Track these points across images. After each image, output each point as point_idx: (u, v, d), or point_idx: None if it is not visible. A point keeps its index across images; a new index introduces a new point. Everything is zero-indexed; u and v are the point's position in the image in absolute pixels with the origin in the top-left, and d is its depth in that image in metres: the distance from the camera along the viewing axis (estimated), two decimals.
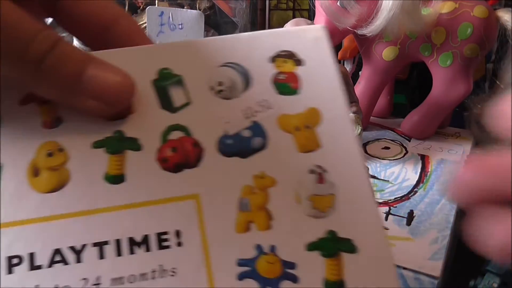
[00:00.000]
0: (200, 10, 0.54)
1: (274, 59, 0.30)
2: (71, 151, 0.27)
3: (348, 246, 0.27)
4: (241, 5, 0.58)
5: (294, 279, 0.26)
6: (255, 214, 0.27)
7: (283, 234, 0.27)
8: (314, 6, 0.62)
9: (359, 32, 0.60)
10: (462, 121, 0.66)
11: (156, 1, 0.54)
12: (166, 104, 0.29)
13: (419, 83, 0.69)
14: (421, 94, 0.66)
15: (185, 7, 0.54)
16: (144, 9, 0.54)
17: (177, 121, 0.28)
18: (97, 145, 0.28)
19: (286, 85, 0.29)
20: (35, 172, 0.27)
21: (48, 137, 0.28)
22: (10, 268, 0.25)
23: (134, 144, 0.28)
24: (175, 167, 0.27)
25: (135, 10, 0.56)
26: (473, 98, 0.61)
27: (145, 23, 0.53)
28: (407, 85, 0.74)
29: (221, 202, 0.27)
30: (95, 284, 0.25)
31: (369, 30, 0.56)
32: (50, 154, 0.27)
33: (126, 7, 0.55)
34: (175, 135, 0.28)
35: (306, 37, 0.31)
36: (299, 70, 0.30)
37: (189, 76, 0.29)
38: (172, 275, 0.26)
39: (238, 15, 0.57)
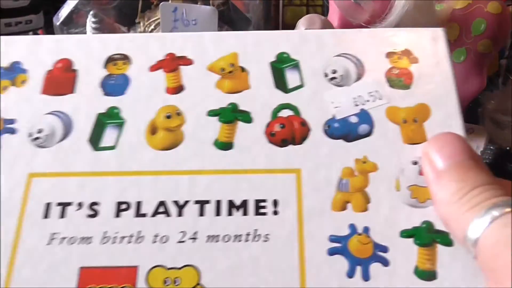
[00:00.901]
0: (213, 6, 0.55)
1: (390, 55, 0.33)
2: (188, 116, 0.32)
3: (445, 239, 0.28)
4: (254, 1, 0.59)
5: (385, 262, 0.28)
6: (353, 195, 0.29)
7: (378, 218, 0.29)
8: (328, 2, 0.63)
9: (373, 28, 0.60)
10: (476, 117, 0.64)
11: None
12: (280, 84, 0.32)
13: None
14: None
15: (199, 3, 0.55)
16: (157, 5, 0.56)
17: (289, 100, 0.32)
18: (212, 113, 0.32)
19: (399, 80, 0.32)
20: (153, 130, 0.31)
21: (169, 101, 0.32)
22: (118, 212, 0.29)
23: (246, 117, 0.31)
24: (281, 142, 0.31)
25: (148, 6, 0.58)
26: (486, 94, 0.60)
27: (158, 19, 0.55)
28: None
29: (321, 179, 0.30)
30: (191, 238, 0.29)
31: (383, 26, 0.57)
32: (168, 116, 0.32)
33: (140, 3, 0.57)
34: (285, 113, 0.32)
35: (424, 37, 0.33)
36: (413, 67, 0.33)
37: (306, 62, 0.33)
38: (265, 241, 0.28)
39: (252, 10, 0.59)
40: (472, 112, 0.65)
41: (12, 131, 0.31)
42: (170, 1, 0.54)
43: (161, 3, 0.53)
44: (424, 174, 0.29)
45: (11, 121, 0.32)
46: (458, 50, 0.58)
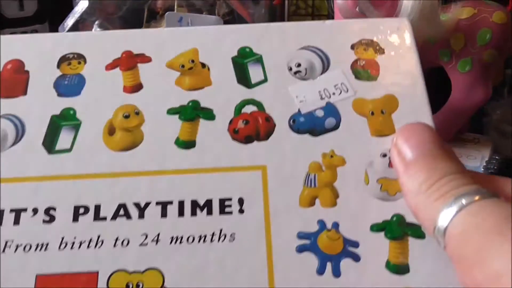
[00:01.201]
0: (219, 15, 0.56)
1: (356, 46, 0.33)
2: (147, 115, 0.31)
3: (416, 232, 0.28)
4: (259, 11, 0.60)
5: (356, 257, 0.28)
6: (321, 190, 0.29)
7: (347, 213, 0.29)
8: (333, 12, 0.64)
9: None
10: (481, 127, 0.66)
11: (175, 7, 0.57)
12: (243, 79, 0.32)
13: (437, 88, 0.70)
14: (438, 101, 0.67)
15: (204, 13, 0.56)
16: (163, 14, 0.57)
17: (252, 96, 0.32)
18: (172, 111, 0.31)
19: (365, 71, 0.32)
20: (110, 131, 0.31)
21: (127, 100, 0.32)
22: (76, 216, 0.29)
23: (208, 114, 0.31)
24: (245, 138, 0.30)
25: (154, 16, 0.59)
26: (492, 104, 0.61)
27: None
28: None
29: (287, 175, 0.29)
30: (154, 240, 0.28)
31: None
32: (126, 116, 0.31)
33: (146, 13, 0.58)
34: (249, 109, 0.31)
35: (390, 28, 0.34)
36: (379, 58, 0.33)
37: (269, 56, 0.33)
38: (231, 240, 0.28)
39: (257, 21, 0.60)
40: (477, 122, 0.66)
41: None
42: (175, 11, 0.55)
43: (166, 13, 0.54)
44: (393, 166, 0.29)
45: None
46: (464, 60, 0.59)
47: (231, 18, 0.56)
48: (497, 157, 0.58)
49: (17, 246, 0.28)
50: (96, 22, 0.57)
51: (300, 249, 0.28)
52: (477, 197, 0.25)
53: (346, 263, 0.27)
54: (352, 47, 0.33)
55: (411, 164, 0.27)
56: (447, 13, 0.58)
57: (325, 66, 0.32)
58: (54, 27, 0.65)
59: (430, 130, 0.28)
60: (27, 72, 0.33)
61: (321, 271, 0.27)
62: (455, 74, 0.60)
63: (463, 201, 0.25)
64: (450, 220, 0.25)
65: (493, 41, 0.57)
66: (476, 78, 0.59)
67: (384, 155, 0.30)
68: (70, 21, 0.57)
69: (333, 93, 0.31)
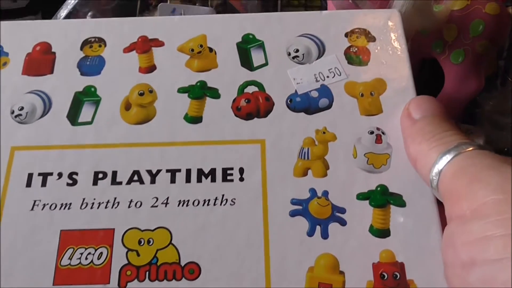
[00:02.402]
0: (212, 7, 0.56)
1: (349, 34, 0.36)
2: (159, 93, 0.35)
3: (398, 201, 0.31)
4: (252, 1, 0.60)
5: (342, 222, 0.31)
6: (313, 162, 0.32)
7: (336, 182, 0.32)
8: (326, 3, 0.64)
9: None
10: (473, 118, 0.65)
11: None
12: (246, 63, 0.35)
13: (429, 80, 0.70)
14: (431, 92, 0.66)
15: (197, 4, 0.56)
16: (156, 6, 0.57)
17: (254, 78, 0.35)
18: (181, 90, 0.35)
19: (357, 57, 0.35)
20: (127, 106, 0.34)
21: (142, 80, 0.35)
22: (95, 181, 0.32)
23: (214, 93, 0.34)
24: (246, 115, 0.34)
25: (147, 7, 0.59)
26: (484, 95, 0.61)
27: None
28: (417, 82, 0.74)
29: (283, 149, 0.33)
30: (163, 203, 0.31)
31: None
32: (141, 94, 0.34)
33: (138, 4, 0.58)
34: (251, 89, 0.35)
35: (381, 18, 0.37)
36: (370, 46, 0.36)
37: (270, 42, 0.36)
38: (232, 204, 0.31)
39: (250, 11, 0.60)
40: (470, 113, 0.67)
41: None
42: (168, 2, 0.55)
43: (159, 4, 0.54)
44: (401, 124, 0.33)
45: None
46: (457, 51, 0.58)
47: (223, 8, 0.57)
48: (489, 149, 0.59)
49: (44, 205, 0.31)
50: (89, 14, 0.57)
51: (293, 214, 0.31)
52: (475, 147, 0.28)
53: (334, 227, 0.31)
54: (346, 35, 0.36)
55: (418, 121, 0.31)
56: (440, 4, 0.57)
57: (321, 52, 0.36)
58: (47, 18, 0.64)
59: (438, 103, 0.32)
60: (54, 53, 0.36)
61: (311, 233, 0.30)
62: (448, 65, 0.60)
63: (463, 147, 0.28)
64: (448, 162, 0.28)
65: (486, 32, 0.56)
66: (469, 69, 0.59)
67: (371, 132, 0.33)
68: (63, 12, 0.57)
69: (327, 76, 0.35)
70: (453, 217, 0.27)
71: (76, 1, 0.57)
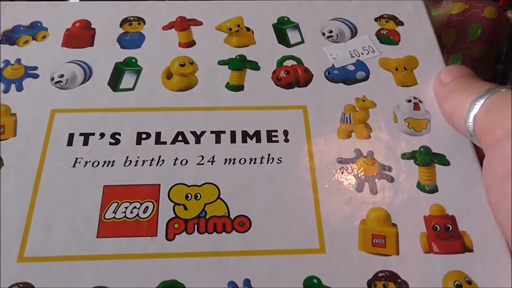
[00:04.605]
0: None
1: (379, 19, 0.37)
2: (200, 65, 0.34)
3: (442, 160, 0.31)
4: None
5: (390, 179, 0.30)
6: (356, 126, 0.32)
7: (380, 144, 0.31)
8: None
9: None
10: None
11: None
12: (283, 40, 0.36)
13: None
14: None
15: None
16: None
17: (292, 53, 0.35)
18: (222, 62, 0.34)
19: (388, 38, 0.36)
20: (168, 75, 0.33)
21: (182, 53, 0.35)
22: (139, 140, 0.31)
23: (254, 65, 0.34)
24: (287, 85, 0.33)
25: None
26: None
27: None
28: None
29: (326, 114, 0.32)
30: (209, 161, 0.30)
31: None
32: (182, 65, 0.34)
33: None
34: (289, 63, 0.35)
35: (407, 7, 0.38)
36: (399, 29, 0.36)
37: (304, 24, 0.36)
38: (279, 162, 0.30)
39: None
40: None
41: (34, 76, 0.33)
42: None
43: None
44: (433, 90, 0.33)
45: (33, 68, 0.33)
46: (455, 55, 0.58)
47: None
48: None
49: (86, 163, 0.29)
50: None
51: (341, 171, 0.30)
52: (505, 89, 0.28)
53: (382, 183, 0.30)
54: (376, 19, 0.37)
55: (451, 82, 0.32)
56: (438, 8, 0.57)
57: (353, 33, 0.36)
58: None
59: (467, 68, 0.33)
60: (94, 29, 0.36)
61: (359, 189, 0.29)
62: None
63: (493, 91, 0.28)
64: (480, 106, 0.28)
65: (484, 37, 0.56)
66: None
67: (409, 101, 0.33)
68: None
69: (362, 53, 0.35)
70: (489, 145, 0.27)
71: None
